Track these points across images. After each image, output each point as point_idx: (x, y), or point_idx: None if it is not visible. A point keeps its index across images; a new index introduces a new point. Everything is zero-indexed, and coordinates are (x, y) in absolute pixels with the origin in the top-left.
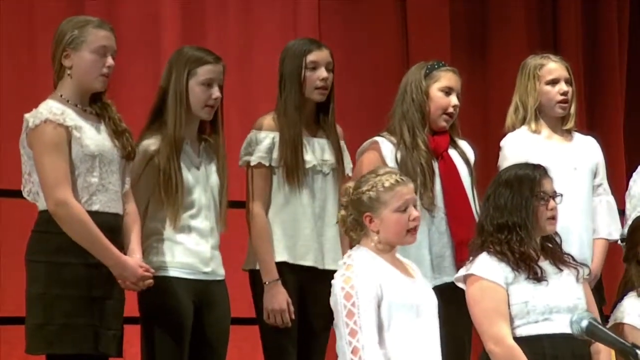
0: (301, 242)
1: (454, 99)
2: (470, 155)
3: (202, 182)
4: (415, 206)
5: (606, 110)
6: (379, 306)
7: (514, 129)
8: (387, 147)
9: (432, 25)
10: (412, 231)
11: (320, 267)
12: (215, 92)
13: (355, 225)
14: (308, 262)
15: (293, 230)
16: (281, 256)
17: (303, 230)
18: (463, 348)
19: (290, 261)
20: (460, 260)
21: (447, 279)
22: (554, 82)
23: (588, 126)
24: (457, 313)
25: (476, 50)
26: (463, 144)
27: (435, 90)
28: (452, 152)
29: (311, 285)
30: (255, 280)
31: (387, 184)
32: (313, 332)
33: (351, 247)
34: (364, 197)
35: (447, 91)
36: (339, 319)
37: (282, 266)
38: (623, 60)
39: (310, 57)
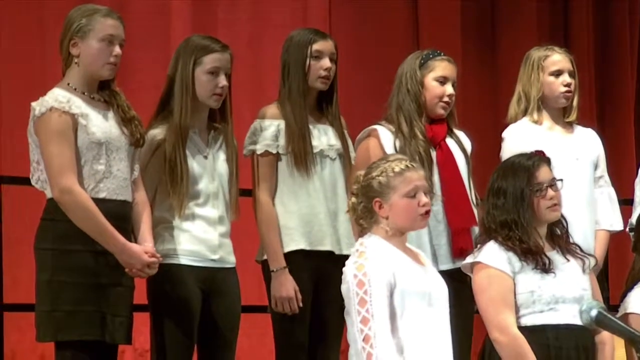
0: (317, 228)
1: (449, 88)
2: (467, 144)
3: (209, 170)
4: (426, 193)
5: (617, 101)
6: (391, 294)
7: (516, 119)
8: (385, 134)
9: (443, 16)
10: (423, 216)
11: (337, 251)
12: (222, 81)
13: (365, 212)
14: (325, 246)
15: (308, 216)
16: (297, 244)
17: (318, 216)
18: (458, 336)
19: (308, 248)
20: (456, 249)
21: (442, 267)
22: (557, 73)
23: (598, 117)
24: (453, 301)
25: (486, 42)
26: (460, 134)
27: (430, 80)
28: (450, 141)
29: (328, 271)
30: (267, 270)
31: (397, 169)
32: (328, 318)
33: (361, 235)
34: (373, 182)
35: (442, 80)
36: (350, 306)
37: (298, 254)
38: (634, 52)
39: (315, 47)
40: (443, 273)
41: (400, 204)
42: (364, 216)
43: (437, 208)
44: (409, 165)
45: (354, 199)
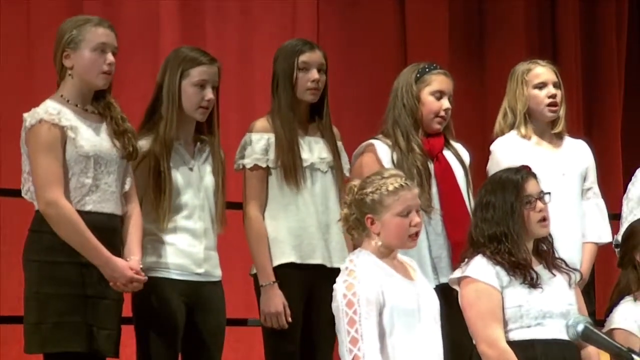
0: (307, 241)
1: (445, 103)
2: (465, 156)
3: (195, 183)
4: (418, 212)
5: (604, 114)
6: (380, 313)
7: (502, 134)
8: (382, 149)
9: (431, 28)
10: (413, 236)
11: (328, 265)
12: (209, 94)
13: (357, 224)
14: (316, 260)
15: (299, 230)
16: (288, 257)
17: (308, 229)
18: (463, 349)
19: (298, 261)
20: (456, 261)
21: (444, 279)
22: (541, 85)
23: (585, 129)
24: (456, 314)
25: (474, 54)
26: (457, 146)
27: (426, 95)
28: (447, 154)
29: (319, 284)
30: (258, 284)
31: (391, 188)
32: (319, 331)
33: (353, 246)
34: (367, 198)
35: (439, 95)
36: (340, 325)
37: (289, 267)
38: (621, 64)
39: (302, 58)
40: (444, 286)
41: (392, 222)
42: (356, 227)
43: (436, 221)
44: (404, 184)
45: (346, 210)
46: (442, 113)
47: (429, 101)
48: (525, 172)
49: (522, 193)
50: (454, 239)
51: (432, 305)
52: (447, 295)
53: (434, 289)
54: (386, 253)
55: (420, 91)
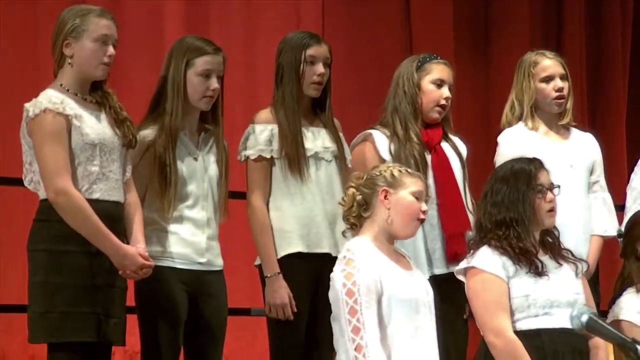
0: (315, 230)
1: (445, 91)
2: (463, 149)
3: (199, 172)
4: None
5: (609, 106)
6: (379, 301)
7: (509, 125)
8: (380, 139)
9: (436, 20)
10: (419, 221)
11: (334, 253)
12: (213, 84)
13: (362, 205)
14: (323, 249)
15: (306, 219)
16: (295, 247)
17: (315, 218)
18: (454, 340)
19: (305, 251)
20: (450, 253)
21: (437, 271)
22: (548, 79)
23: (590, 122)
24: (448, 306)
25: (479, 46)
26: (455, 139)
27: (426, 83)
28: (445, 146)
29: (325, 273)
30: (263, 275)
31: (410, 171)
32: (324, 320)
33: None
34: (386, 173)
35: (439, 83)
36: (340, 315)
37: (296, 257)
38: (626, 56)
39: (309, 52)
40: (438, 277)
41: (407, 199)
42: (359, 210)
43: (432, 212)
44: (419, 175)
45: (353, 190)
46: (442, 102)
47: (429, 89)
48: (538, 163)
49: (534, 182)
50: (449, 231)
51: (428, 295)
52: (440, 287)
53: (428, 280)
54: (386, 239)
55: (420, 79)
